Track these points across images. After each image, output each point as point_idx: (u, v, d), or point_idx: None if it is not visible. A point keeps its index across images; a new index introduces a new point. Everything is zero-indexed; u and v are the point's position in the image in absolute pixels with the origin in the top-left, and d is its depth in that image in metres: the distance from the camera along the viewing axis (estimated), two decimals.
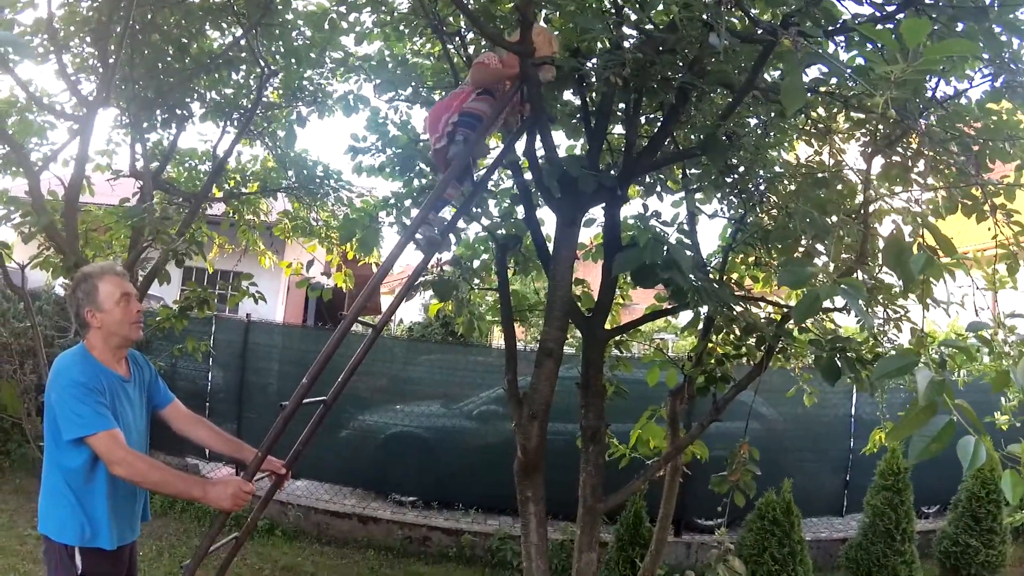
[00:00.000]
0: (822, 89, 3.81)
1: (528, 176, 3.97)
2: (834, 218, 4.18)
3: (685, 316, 4.70)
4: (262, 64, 5.16)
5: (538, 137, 3.40)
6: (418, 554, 7.06)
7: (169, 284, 4.96)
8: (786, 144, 4.86)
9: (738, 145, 3.48)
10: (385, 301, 21.96)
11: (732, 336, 4.02)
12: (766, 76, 3.68)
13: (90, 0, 4.77)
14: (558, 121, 3.86)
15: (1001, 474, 6.21)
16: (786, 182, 4.68)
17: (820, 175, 4.51)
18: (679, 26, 2.97)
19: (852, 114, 4.24)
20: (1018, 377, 2.40)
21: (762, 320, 3.69)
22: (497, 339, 15.54)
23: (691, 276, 2.78)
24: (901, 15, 2.61)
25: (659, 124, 3.70)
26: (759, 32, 2.69)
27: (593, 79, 3.23)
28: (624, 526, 5.87)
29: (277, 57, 5.35)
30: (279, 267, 6.93)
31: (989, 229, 4.02)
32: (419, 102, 5.15)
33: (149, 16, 4.40)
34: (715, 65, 3.23)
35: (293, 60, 5.22)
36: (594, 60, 3.54)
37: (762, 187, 4.66)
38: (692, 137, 4.19)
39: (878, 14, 2.62)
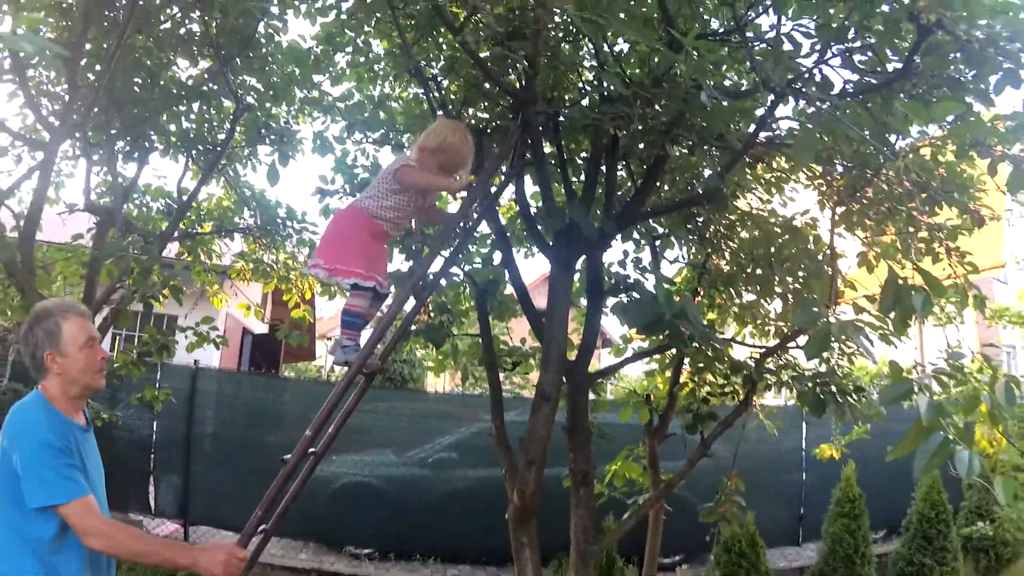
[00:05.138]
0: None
1: (504, 220, 4.02)
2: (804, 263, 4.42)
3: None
4: (237, 98, 4.98)
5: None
6: None
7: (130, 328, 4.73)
8: (736, 192, 5.08)
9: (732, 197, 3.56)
10: (317, 345, 21.53)
11: (713, 376, 4.11)
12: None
13: (57, 19, 4.46)
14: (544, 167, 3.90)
15: (945, 495, 6.46)
16: (741, 229, 4.93)
17: (780, 222, 4.76)
18: (664, 81, 3.11)
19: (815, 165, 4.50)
20: (999, 396, 2.56)
21: (746, 360, 3.81)
22: (432, 385, 15.44)
23: (698, 326, 2.85)
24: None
25: (646, 174, 3.80)
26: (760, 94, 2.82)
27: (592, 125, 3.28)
28: (598, 568, 5.86)
29: (252, 93, 5.21)
30: (213, 314, 6.68)
31: (944, 269, 4.29)
32: (388, 144, 5.17)
33: (123, 39, 4.13)
34: (705, 118, 3.36)
35: (271, 94, 5.07)
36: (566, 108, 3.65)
37: (720, 233, 4.89)
38: (673, 186, 4.32)
39: (873, 82, 2.79)
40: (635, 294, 3.57)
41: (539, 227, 3.67)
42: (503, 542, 3.62)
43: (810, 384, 3.34)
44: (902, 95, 2.90)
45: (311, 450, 2.96)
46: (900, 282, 2.57)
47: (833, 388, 3.34)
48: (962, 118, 2.67)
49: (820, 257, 4.41)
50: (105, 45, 4.42)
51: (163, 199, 6.36)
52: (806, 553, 8.42)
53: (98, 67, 4.50)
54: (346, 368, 2.89)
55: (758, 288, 4.65)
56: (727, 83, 4.19)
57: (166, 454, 8.08)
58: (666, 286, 2.81)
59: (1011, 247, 15.69)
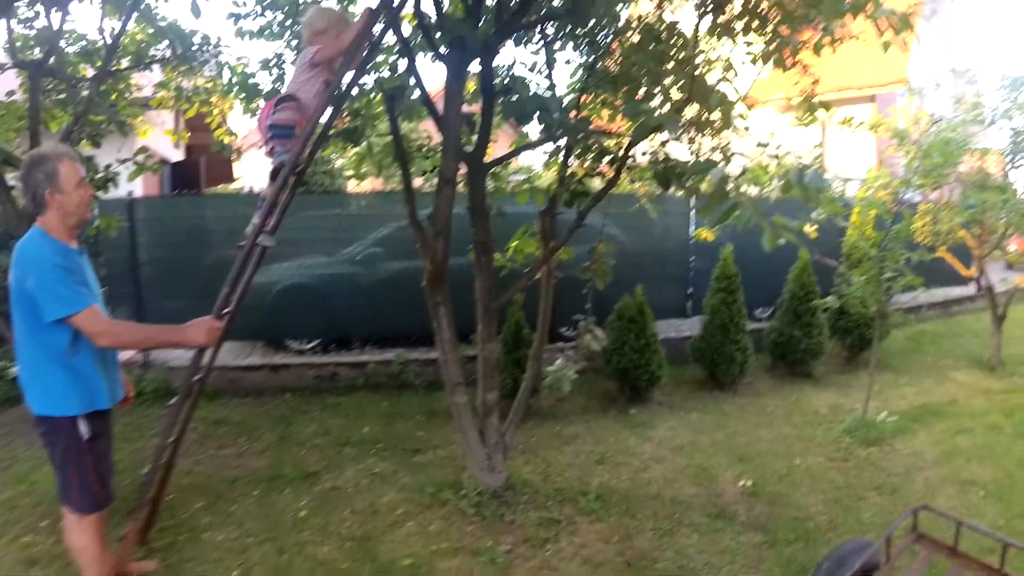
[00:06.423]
0: None
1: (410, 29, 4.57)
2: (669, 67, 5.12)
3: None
4: None
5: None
6: (330, 389, 7.93)
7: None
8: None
9: (599, 7, 4.15)
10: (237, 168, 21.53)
11: (588, 161, 4.92)
12: None
13: None
14: None
15: (814, 279, 7.65)
16: (630, 35, 5.53)
17: (657, 29, 5.38)
18: None
19: None
20: (791, 177, 3.49)
21: (612, 146, 4.62)
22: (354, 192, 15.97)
23: (557, 116, 3.60)
24: None
25: None
26: None
27: None
28: (508, 333, 6.93)
29: None
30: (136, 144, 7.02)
31: (792, 80, 5.07)
32: None
33: None
34: None
35: None
36: None
37: (609, 39, 5.49)
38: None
39: None
40: (516, 94, 4.23)
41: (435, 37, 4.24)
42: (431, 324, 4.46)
43: (660, 166, 4.18)
44: None
45: (258, 239, 3.58)
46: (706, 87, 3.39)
47: (677, 170, 4.18)
48: None
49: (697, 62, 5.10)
50: None
51: (82, 41, 6.48)
52: (694, 325, 9.81)
53: None
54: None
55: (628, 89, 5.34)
56: None
57: (118, 287, 8.36)
58: (533, 88, 3.49)
59: (911, 69, 17.27)
